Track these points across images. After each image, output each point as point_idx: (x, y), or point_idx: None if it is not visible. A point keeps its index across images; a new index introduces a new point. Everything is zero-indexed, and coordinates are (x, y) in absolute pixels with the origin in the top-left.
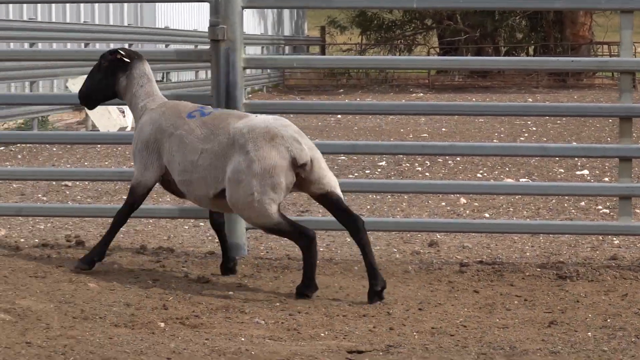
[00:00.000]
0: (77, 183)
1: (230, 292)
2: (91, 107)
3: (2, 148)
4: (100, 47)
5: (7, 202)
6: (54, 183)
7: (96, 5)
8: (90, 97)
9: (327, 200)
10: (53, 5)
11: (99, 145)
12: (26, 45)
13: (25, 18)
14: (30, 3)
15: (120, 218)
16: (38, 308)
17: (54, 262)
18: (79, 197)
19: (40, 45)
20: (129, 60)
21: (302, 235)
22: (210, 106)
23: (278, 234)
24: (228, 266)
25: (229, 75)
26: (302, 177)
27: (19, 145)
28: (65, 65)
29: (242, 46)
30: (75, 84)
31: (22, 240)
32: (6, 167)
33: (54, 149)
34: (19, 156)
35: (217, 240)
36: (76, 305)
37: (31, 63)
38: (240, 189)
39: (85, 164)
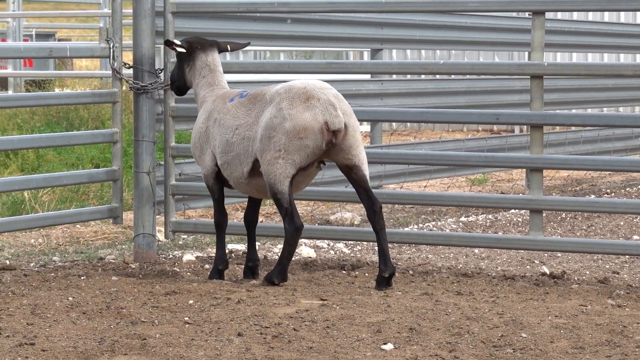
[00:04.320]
0: None
1: None
2: (179, 94)
3: None
4: None
5: None
6: None
7: None
8: (173, 84)
9: (353, 174)
10: None
11: None
12: None
13: None
14: None
15: (216, 218)
16: None
17: None
18: None
19: None
20: (183, 51)
21: (292, 221)
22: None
23: (277, 203)
24: (248, 265)
25: None
26: (333, 142)
27: None
28: None
29: None
30: None
31: None
32: None
33: None
34: None
35: None
36: None
37: None
38: (272, 144)
39: None
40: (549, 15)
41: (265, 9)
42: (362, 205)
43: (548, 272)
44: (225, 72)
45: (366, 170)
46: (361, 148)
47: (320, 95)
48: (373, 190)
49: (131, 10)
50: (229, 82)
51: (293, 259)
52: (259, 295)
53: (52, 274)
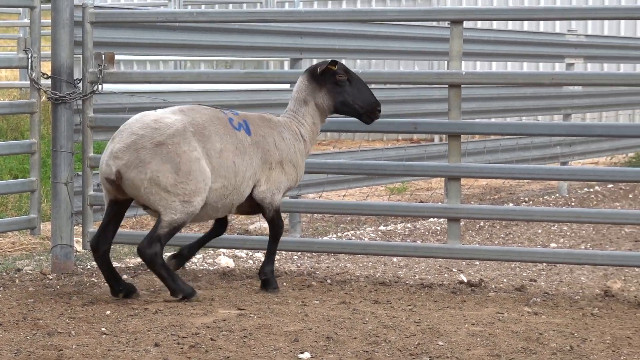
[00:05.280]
0: None
1: None
2: None
3: (610, 186)
4: None
5: (620, 248)
6: None
7: None
8: None
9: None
10: None
11: None
12: None
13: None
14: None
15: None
16: None
17: None
18: None
19: None
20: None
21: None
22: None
23: None
24: None
25: None
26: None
27: (631, 183)
28: None
29: None
30: None
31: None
32: (617, 208)
33: None
34: (630, 195)
35: None
36: None
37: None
38: None
39: None
40: (468, 24)
41: (184, 19)
42: (282, 214)
43: (465, 280)
44: (143, 82)
45: (166, 219)
46: (158, 199)
47: (110, 143)
48: (293, 199)
49: (50, 21)
50: (146, 93)
51: (211, 268)
52: (177, 305)
53: None
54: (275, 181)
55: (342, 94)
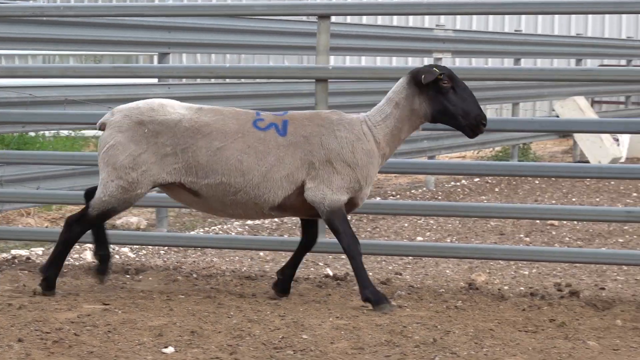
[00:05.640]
0: (565, 223)
1: None
2: None
3: (477, 180)
4: (592, 63)
5: (486, 242)
6: (537, 222)
7: (590, 15)
8: None
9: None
10: (540, 15)
11: (587, 180)
12: (507, 62)
13: (507, 30)
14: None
15: None
16: None
17: (545, 315)
18: (567, 238)
19: (523, 62)
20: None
21: None
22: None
23: None
24: None
25: None
26: None
27: (497, 177)
28: (551, 86)
29: None
30: (564, 107)
31: (505, 287)
32: (482, 202)
33: (537, 182)
34: (497, 189)
35: None
36: None
37: (513, 83)
38: None
39: (573, 200)
40: (338, 19)
41: (51, 13)
42: (148, 209)
43: (331, 274)
44: (9, 76)
45: (98, 197)
46: (104, 169)
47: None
48: (159, 194)
49: None
50: (12, 87)
51: (76, 263)
52: (41, 301)
53: None
54: (324, 180)
55: (443, 103)
